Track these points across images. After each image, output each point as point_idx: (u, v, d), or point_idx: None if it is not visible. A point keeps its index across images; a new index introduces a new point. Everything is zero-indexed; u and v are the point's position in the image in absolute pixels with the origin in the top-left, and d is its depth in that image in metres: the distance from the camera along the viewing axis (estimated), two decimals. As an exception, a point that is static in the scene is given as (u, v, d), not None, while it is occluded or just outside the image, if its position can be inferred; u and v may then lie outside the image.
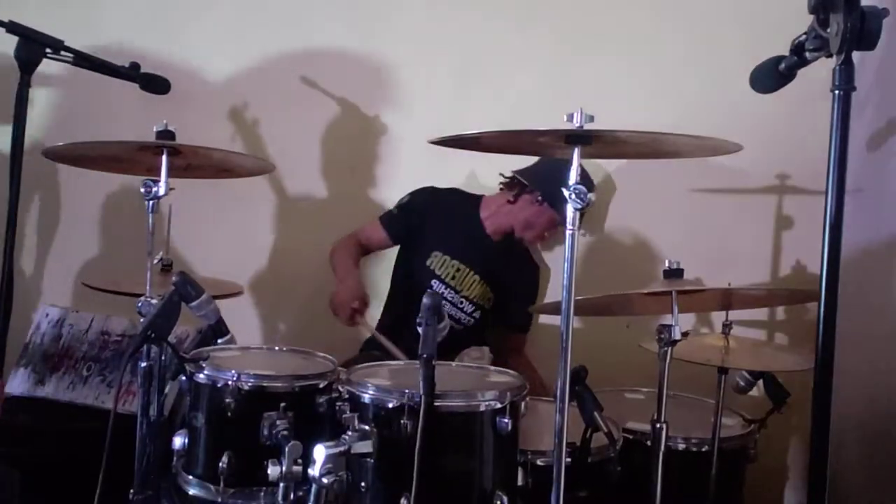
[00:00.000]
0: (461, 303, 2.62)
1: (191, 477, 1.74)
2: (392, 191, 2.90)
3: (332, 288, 2.93)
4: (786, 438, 2.50)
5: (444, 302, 2.47)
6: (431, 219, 2.65)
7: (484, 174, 2.82)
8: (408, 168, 2.89)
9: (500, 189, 2.69)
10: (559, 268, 2.67)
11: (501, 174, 2.66)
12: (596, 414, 1.70)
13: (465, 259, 2.63)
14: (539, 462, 1.69)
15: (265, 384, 1.73)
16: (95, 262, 3.03)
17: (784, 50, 1.53)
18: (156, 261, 1.98)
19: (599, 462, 1.78)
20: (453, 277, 2.62)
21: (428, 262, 2.63)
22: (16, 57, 2.25)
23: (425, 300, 1.52)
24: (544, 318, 2.73)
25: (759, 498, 2.35)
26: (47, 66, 2.32)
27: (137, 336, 1.69)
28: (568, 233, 1.43)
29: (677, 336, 1.65)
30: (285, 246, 3.01)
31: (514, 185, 2.63)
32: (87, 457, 1.69)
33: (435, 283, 2.61)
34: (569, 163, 1.42)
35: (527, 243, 2.69)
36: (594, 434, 1.72)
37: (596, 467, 1.77)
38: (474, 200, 2.71)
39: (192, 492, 1.73)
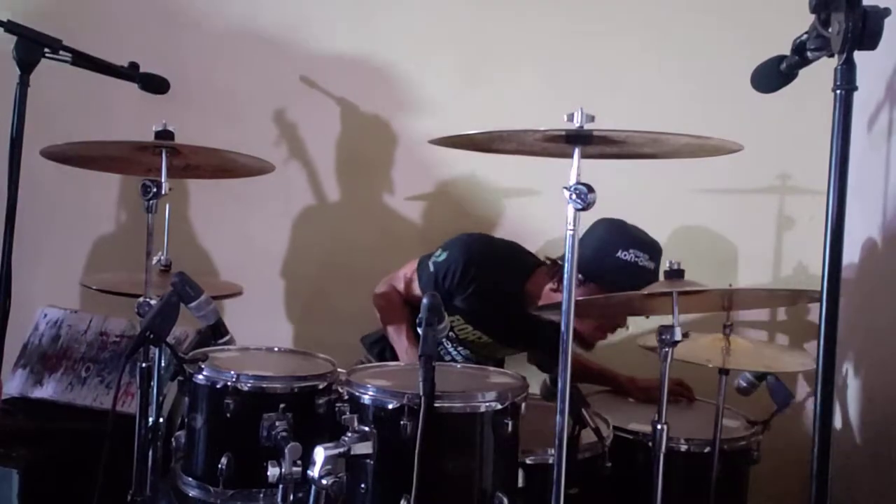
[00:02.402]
0: (470, 356, 2.37)
1: (190, 478, 1.74)
2: (392, 191, 2.89)
3: (332, 288, 2.93)
4: (789, 440, 2.49)
5: (445, 351, 2.35)
6: (466, 291, 2.21)
7: (485, 174, 2.81)
8: (408, 168, 2.88)
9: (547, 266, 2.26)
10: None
11: (547, 258, 2.28)
12: (583, 410, 1.69)
13: (495, 335, 2.32)
14: (528, 460, 1.68)
15: (264, 385, 1.73)
16: (94, 263, 3.02)
17: (785, 49, 1.53)
18: (154, 261, 1.98)
19: (590, 459, 1.77)
20: (472, 341, 2.33)
21: (454, 327, 2.28)
22: (14, 56, 2.24)
23: (425, 300, 1.52)
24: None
25: (762, 500, 2.34)
26: (46, 66, 2.32)
27: (136, 337, 1.68)
28: (568, 233, 1.43)
29: (678, 337, 1.64)
30: (285, 246, 3.00)
31: (555, 269, 2.19)
32: (86, 458, 1.69)
33: (444, 341, 2.31)
34: (571, 165, 1.42)
35: (591, 340, 2.20)
36: (582, 430, 1.71)
37: (586, 464, 1.76)
38: (526, 269, 2.27)
39: (191, 493, 1.73)
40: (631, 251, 2.06)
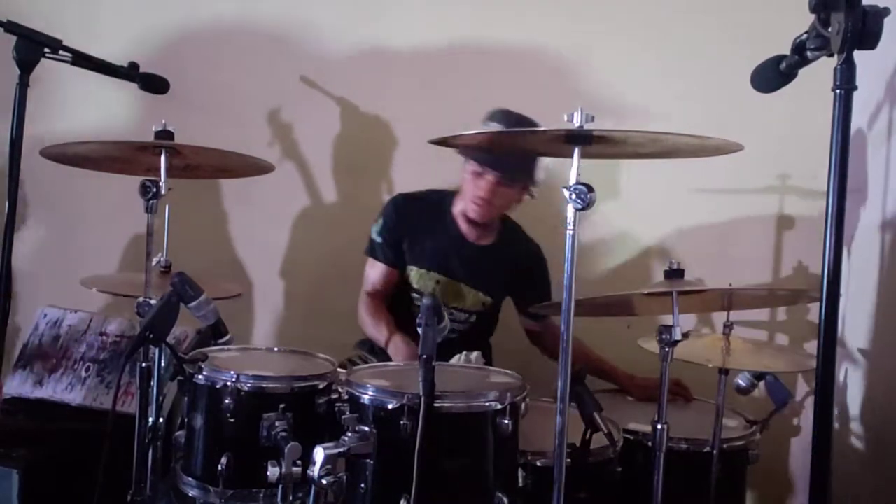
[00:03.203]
0: (451, 314, 2.36)
1: (190, 478, 1.73)
2: (392, 191, 2.89)
3: (332, 288, 2.94)
4: (788, 439, 2.49)
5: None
6: (406, 233, 2.45)
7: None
8: (408, 168, 2.88)
9: None
10: (559, 269, 2.67)
11: None
12: (595, 414, 1.69)
13: (444, 269, 2.43)
14: (538, 463, 1.69)
15: (264, 385, 1.73)
16: (94, 263, 3.02)
17: (785, 49, 1.53)
18: (154, 263, 1.98)
19: (599, 463, 1.78)
20: (433, 291, 2.42)
21: (410, 280, 2.44)
22: (14, 56, 2.24)
23: (425, 301, 1.52)
24: (544, 319, 2.72)
25: (761, 499, 2.34)
26: (46, 66, 2.32)
27: (136, 337, 1.68)
28: (568, 233, 1.43)
29: (678, 337, 1.64)
30: (285, 246, 3.00)
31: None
32: (86, 458, 1.69)
33: (415, 296, 2.44)
34: (570, 162, 1.42)
35: (485, 218, 2.36)
36: (594, 435, 1.72)
37: (596, 468, 1.77)
38: (449, 199, 2.46)
39: (190, 493, 1.73)
40: (491, 124, 2.23)
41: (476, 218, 2.37)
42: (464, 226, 2.42)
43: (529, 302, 2.41)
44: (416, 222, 2.45)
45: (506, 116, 2.26)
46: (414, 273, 2.45)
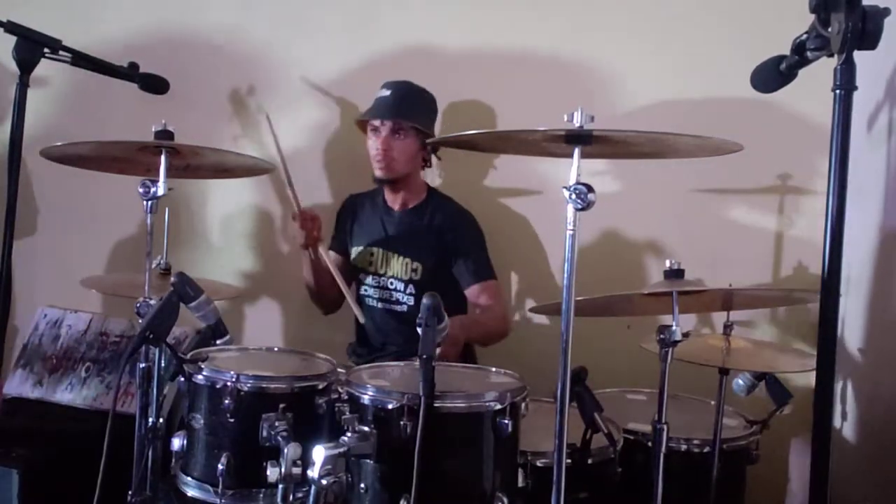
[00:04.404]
0: (391, 283, 2.56)
1: (189, 478, 1.73)
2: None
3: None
4: (788, 439, 2.49)
5: (373, 289, 2.56)
6: (349, 222, 2.70)
7: (485, 174, 2.81)
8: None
9: None
10: (558, 268, 2.67)
11: None
12: (596, 415, 1.69)
13: (376, 242, 2.60)
14: (538, 463, 1.69)
15: (264, 385, 1.73)
16: (94, 263, 3.02)
17: (785, 49, 1.53)
18: (154, 265, 1.98)
19: (599, 463, 1.77)
20: (371, 264, 2.59)
21: (352, 261, 2.64)
22: (14, 56, 2.25)
23: (425, 300, 1.52)
24: (544, 319, 2.72)
25: (761, 499, 2.34)
26: (46, 66, 2.32)
27: (136, 337, 1.68)
28: (568, 233, 1.43)
29: (678, 337, 1.64)
30: (285, 246, 3.00)
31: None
32: (86, 458, 1.69)
33: (362, 276, 2.61)
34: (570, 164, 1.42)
35: (391, 172, 2.50)
36: (594, 435, 1.72)
37: (596, 468, 1.77)
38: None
39: (190, 493, 1.72)
40: (383, 91, 2.51)
41: (382, 174, 2.50)
42: (389, 196, 2.61)
43: (462, 270, 2.51)
44: (357, 210, 2.69)
45: (404, 87, 2.50)
46: (355, 253, 2.63)
